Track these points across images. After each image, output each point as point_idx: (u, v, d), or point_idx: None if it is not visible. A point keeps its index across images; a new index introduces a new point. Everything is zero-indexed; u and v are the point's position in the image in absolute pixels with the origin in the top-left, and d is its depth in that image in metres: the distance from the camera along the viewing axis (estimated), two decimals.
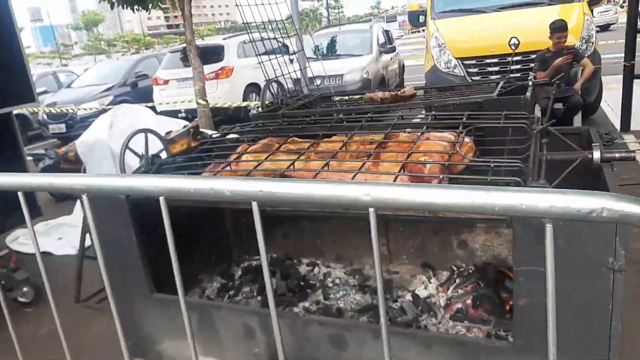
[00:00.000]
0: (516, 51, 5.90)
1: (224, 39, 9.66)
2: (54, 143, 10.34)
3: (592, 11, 6.38)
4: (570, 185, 2.06)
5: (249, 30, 4.08)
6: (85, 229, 2.39)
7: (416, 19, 7.12)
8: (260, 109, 8.87)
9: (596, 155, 1.74)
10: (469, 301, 2.36)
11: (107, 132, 5.29)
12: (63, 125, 9.65)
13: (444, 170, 1.79)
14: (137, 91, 10.40)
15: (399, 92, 3.78)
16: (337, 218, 3.09)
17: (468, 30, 6.41)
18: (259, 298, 2.73)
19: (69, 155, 6.18)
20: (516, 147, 1.91)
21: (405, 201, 0.81)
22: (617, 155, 1.73)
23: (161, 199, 0.98)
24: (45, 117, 9.87)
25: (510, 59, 5.63)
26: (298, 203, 0.95)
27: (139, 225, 2.12)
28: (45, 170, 6.11)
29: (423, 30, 15.29)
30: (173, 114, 8.30)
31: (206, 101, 7.39)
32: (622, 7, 38.18)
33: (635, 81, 5.46)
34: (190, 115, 8.58)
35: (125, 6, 7.96)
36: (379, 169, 1.94)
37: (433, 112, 2.37)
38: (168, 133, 4.62)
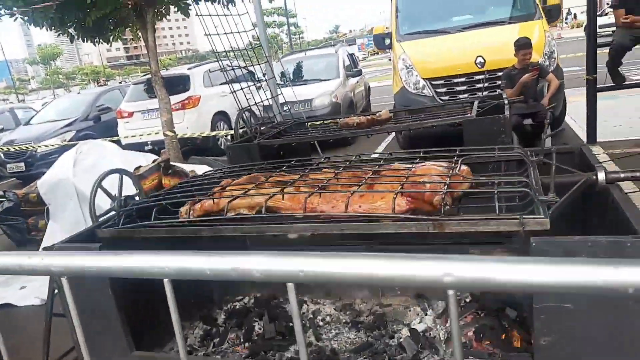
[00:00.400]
0: (482, 69, 6.02)
1: (188, 69, 9.52)
2: (12, 183, 9.86)
3: None
4: (576, 208, 2.01)
5: (219, 59, 3.97)
6: (53, 285, 2.18)
7: (382, 42, 7.17)
8: (230, 138, 8.72)
9: (601, 176, 1.68)
10: (470, 333, 2.25)
11: (71, 171, 5.02)
12: (22, 164, 9.22)
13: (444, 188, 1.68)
14: (101, 125, 10.08)
15: (374, 116, 3.73)
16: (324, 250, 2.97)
17: (434, 51, 6.48)
18: (247, 345, 2.55)
19: (30, 196, 5.86)
20: (514, 174, 1.84)
21: (500, 281, 0.63)
22: (622, 175, 1.68)
23: (166, 281, 0.83)
24: (2, 156, 9.42)
25: (484, 76, 5.72)
26: (351, 282, 0.77)
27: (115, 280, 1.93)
28: (4, 212, 5.77)
29: (386, 53, 15.57)
30: (139, 146, 8.06)
31: (174, 132, 7.19)
32: (565, 22, 40.17)
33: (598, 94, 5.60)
34: (157, 147, 8.34)
35: (85, 39, 7.72)
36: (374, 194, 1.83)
37: (421, 150, 2.27)
38: (137, 168, 4.41)
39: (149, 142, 8.68)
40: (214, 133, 8.48)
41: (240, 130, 4.83)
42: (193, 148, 8.71)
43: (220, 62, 4.04)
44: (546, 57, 5.92)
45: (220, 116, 9.42)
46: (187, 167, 4.99)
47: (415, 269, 0.66)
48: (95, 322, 1.97)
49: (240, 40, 4.36)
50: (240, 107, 4.25)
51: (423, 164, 1.99)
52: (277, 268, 0.74)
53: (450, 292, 0.67)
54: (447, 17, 7.01)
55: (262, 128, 4.33)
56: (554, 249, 1.40)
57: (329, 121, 4.77)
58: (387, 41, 7.11)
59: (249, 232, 1.98)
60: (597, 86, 5.52)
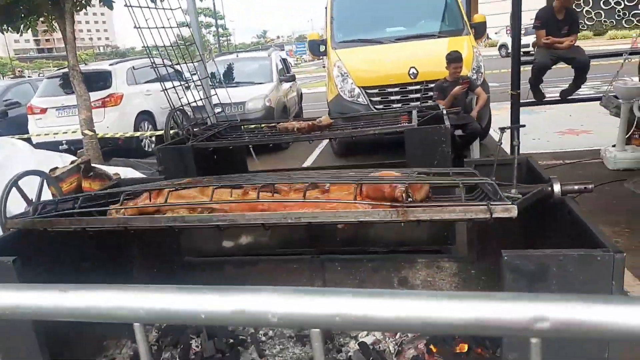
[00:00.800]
0: (415, 80, 6.16)
1: (110, 65, 8.91)
2: None
3: None
4: (532, 220, 2.02)
5: (150, 55, 3.69)
6: None
7: (317, 49, 7.13)
8: (156, 140, 8.25)
9: (557, 187, 1.69)
10: (421, 345, 2.21)
11: None
12: None
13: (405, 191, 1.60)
14: (8, 121, 9.17)
15: (315, 122, 3.64)
16: (264, 261, 2.82)
17: (369, 59, 6.55)
18: None
19: None
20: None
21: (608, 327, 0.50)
22: (575, 187, 1.70)
23: (136, 326, 0.65)
24: None
25: (422, 87, 5.85)
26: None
27: None
28: None
29: (319, 59, 15.64)
30: (53, 146, 7.40)
31: (94, 131, 6.68)
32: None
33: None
34: (73, 147, 7.70)
35: None
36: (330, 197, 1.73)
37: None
38: (53, 170, 4.00)
39: (64, 142, 8.00)
40: (138, 133, 7.99)
41: (171, 132, 4.54)
42: (114, 149, 8.15)
43: (151, 57, 3.76)
44: (474, 71, 6.17)
45: (145, 116, 8.91)
46: (109, 169, 4.60)
47: (496, 311, 0.53)
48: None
49: (170, 37, 4.11)
50: (172, 107, 4.00)
51: (379, 170, 1.92)
52: (300, 311, 0.58)
53: (535, 341, 0.53)
54: (380, 28, 7.12)
55: (194, 129, 4.10)
56: (525, 263, 1.37)
57: (263, 125, 4.63)
58: (322, 48, 7.09)
59: (190, 222, 1.77)
60: (520, 101, 5.82)
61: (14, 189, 2.40)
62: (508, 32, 28.24)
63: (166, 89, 3.72)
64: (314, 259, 2.67)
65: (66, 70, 8.40)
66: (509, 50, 25.70)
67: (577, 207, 1.64)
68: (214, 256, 2.88)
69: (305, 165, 6.65)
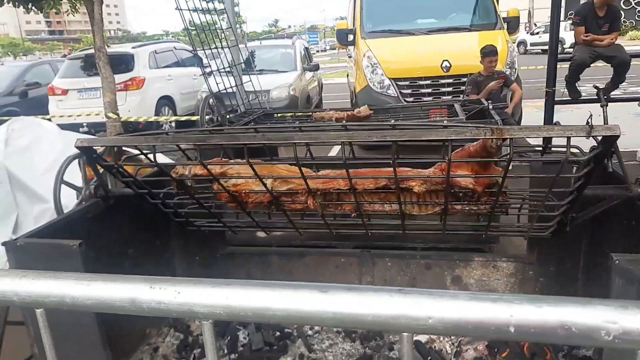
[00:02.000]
0: (448, 73, 6.04)
1: (133, 48, 8.83)
2: None
3: None
4: (615, 224, 1.93)
5: (190, 37, 3.60)
6: None
7: (345, 38, 7.00)
8: (173, 125, 8.17)
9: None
10: (481, 347, 2.13)
11: (2, 152, 4.39)
12: None
13: None
14: (27, 102, 9.12)
15: (354, 112, 3.54)
16: (310, 251, 2.74)
17: (400, 51, 6.42)
18: (233, 357, 2.27)
19: None
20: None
21: None
22: None
23: (206, 324, 0.62)
24: None
25: (460, 79, 5.75)
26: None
27: None
28: None
29: (343, 50, 15.44)
30: (73, 127, 7.32)
31: (117, 114, 6.61)
32: None
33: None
34: (93, 129, 7.65)
35: (16, 3, 6.91)
36: None
37: None
38: None
39: (84, 124, 7.94)
40: (163, 118, 7.92)
41: (206, 117, 4.46)
42: (134, 133, 8.08)
43: (191, 40, 3.67)
44: (508, 66, 6.04)
45: (165, 101, 8.84)
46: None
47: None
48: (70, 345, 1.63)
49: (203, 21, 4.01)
50: (210, 92, 3.91)
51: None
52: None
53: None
54: (411, 19, 6.98)
55: (229, 116, 4.02)
56: (638, 268, 1.28)
57: (300, 114, 4.54)
58: (351, 37, 6.96)
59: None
60: (555, 99, 5.69)
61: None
62: (527, 29, 27.92)
63: (205, 74, 3.63)
64: (364, 252, 2.59)
65: (88, 51, 8.35)
66: (528, 47, 25.20)
67: None
68: (258, 246, 2.81)
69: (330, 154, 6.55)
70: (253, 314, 0.62)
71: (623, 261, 1.28)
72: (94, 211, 2.01)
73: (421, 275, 2.53)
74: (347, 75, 9.83)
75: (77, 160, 2.62)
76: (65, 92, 8.30)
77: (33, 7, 7.54)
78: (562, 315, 0.46)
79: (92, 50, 7.22)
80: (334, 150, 7.39)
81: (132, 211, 2.20)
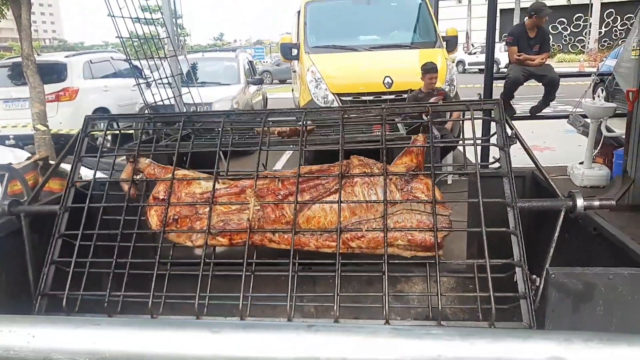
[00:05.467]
0: (390, 90, 6.14)
1: (66, 57, 8.40)
2: None
3: None
4: (547, 236, 1.95)
5: (124, 45, 3.43)
6: None
7: (289, 52, 6.98)
8: (109, 138, 7.80)
9: (579, 202, 1.62)
10: None
11: None
12: None
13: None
14: None
15: (297, 127, 3.49)
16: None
17: (343, 66, 6.47)
18: None
19: None
20: None
21: None
22: (596, 203, 1.64)
23: None
24: None
25: (401, 95, 5.83)
26: None
27: None
28: None
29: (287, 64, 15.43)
30: None
31: (47, 126, 6.22)
32: None
33: None
34: (21, 142, 7.16)
35: None
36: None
37: None
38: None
39: (10, 136, 7.42)
40: (98, 131, 7.52)
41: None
42: (65, 146, 7.64)
43: (124, 48, 3.50)
44: (447, 84, 6.21)
45: (102, 113, 8.44)
46: (68, 168, 4.25)
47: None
48: None
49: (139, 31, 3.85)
50: (146, 103, 3.74)
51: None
52: None
53: None
54: (354, 35, 7.07)
55: (165, 129, 3.85)
56: (573, 281, 1.28)
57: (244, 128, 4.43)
58: (295, 52, 6.94)
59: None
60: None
61: None
62: (465, 49, 29.20)
63: (139, 84, 3.47)
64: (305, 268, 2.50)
65: (16, 59, 7.86)
66: (466, 67, 26.26)
67: (607, 223, 1.57)
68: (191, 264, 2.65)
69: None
70: None
71: (558, 274, 1.28)
72: (5, 230, 1.81)
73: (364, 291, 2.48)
74: (292, 90, 9.81)
75: None
76: None
77: None
78: (500, 353, 0.39)
79: (20, 59, 6.79)
80: (282, 162, 7.33)
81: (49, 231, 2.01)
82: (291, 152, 7.72)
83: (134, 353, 0.47)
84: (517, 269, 1.48)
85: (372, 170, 1.78)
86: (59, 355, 0.48)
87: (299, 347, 0.47)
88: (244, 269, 1.62)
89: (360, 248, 1.67)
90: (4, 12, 7.86)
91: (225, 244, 1.81)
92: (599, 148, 5.15)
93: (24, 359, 0.50)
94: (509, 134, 1.84)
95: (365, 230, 1.68)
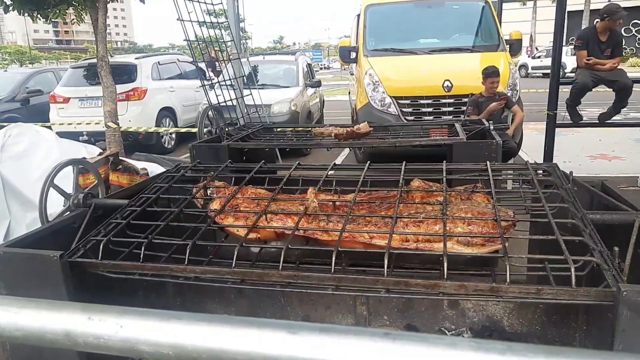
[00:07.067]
0: (449, 93, 6.03)
1: (136, 58, 8.86)
2: None
3: None
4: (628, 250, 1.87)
5: (191, 48, 3.58)
6: None
7: (347, 55, 7.02)
8: (173, 136, 8.14)
9: None
10: None
11: None
12: None
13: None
14: (29, 108, 9.13)
15: (354, 128, 3.52)
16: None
17: (402, 69, 6.43)
18: None
19: None
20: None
21: None
22: None
23: None
24: None
25: (461, 99, 5.73)
26: None
27: None
28: None
29: (345, 69, 15.52)
30: (73, 136, 7.32)
31: (117, 124, 6.59)
32: None
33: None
34: (93, 139, 7.63)
35: (21, 11, 6.93)
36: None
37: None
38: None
39: (84, 133, 7.94)
40: (162, 129, 7.90)
41: (205, 130, 4.43)
42: (133, 143, 8.07)
43: (192, 51, 3.66)
44: (510, 88, 6.03)
45: (167, 112, 8.85)
46: (136, 164, 4.49)
47: None
48: None
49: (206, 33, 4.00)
50: (210, 104, 3.89)
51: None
52: None
53: None
54: (414, 38, 7.00)
55: (228, 129, 3.99)
56: None
57: (300, 128, 4.52)
58: (353, 55, 6.97)
59: None
60: (556, 122, 5.68)
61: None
62: (528, 52, 28.15)
63: (204, 85, 3.61)
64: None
65: (92, 60, 8.37)
66: (529, 71, 25.40)
67: None
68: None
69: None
70: (208, 356, 0.52)
71: (633, 292, 1.22)
72: (80, 221, 1.94)
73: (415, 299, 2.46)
74: (349, 93, 9.85)
75: (71, 167, 2.57)
76: (66, 100, 8.31)
77: (38, 16, 7.55)
78: None
79: (95, 60, 7.23)
80: (342, 156, 7.38)
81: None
82: (345, 154, 7.77)
83: (214, 349, 0.50)
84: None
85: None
86: (145, 347, 0.52)
87: (375, 355, 0.47)
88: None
89: (416, 240, 1.65)
90: (82, 17, 8.39)
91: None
92: None
93: (112, 348, 0.55)
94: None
95: (423, 218, 1.67)
